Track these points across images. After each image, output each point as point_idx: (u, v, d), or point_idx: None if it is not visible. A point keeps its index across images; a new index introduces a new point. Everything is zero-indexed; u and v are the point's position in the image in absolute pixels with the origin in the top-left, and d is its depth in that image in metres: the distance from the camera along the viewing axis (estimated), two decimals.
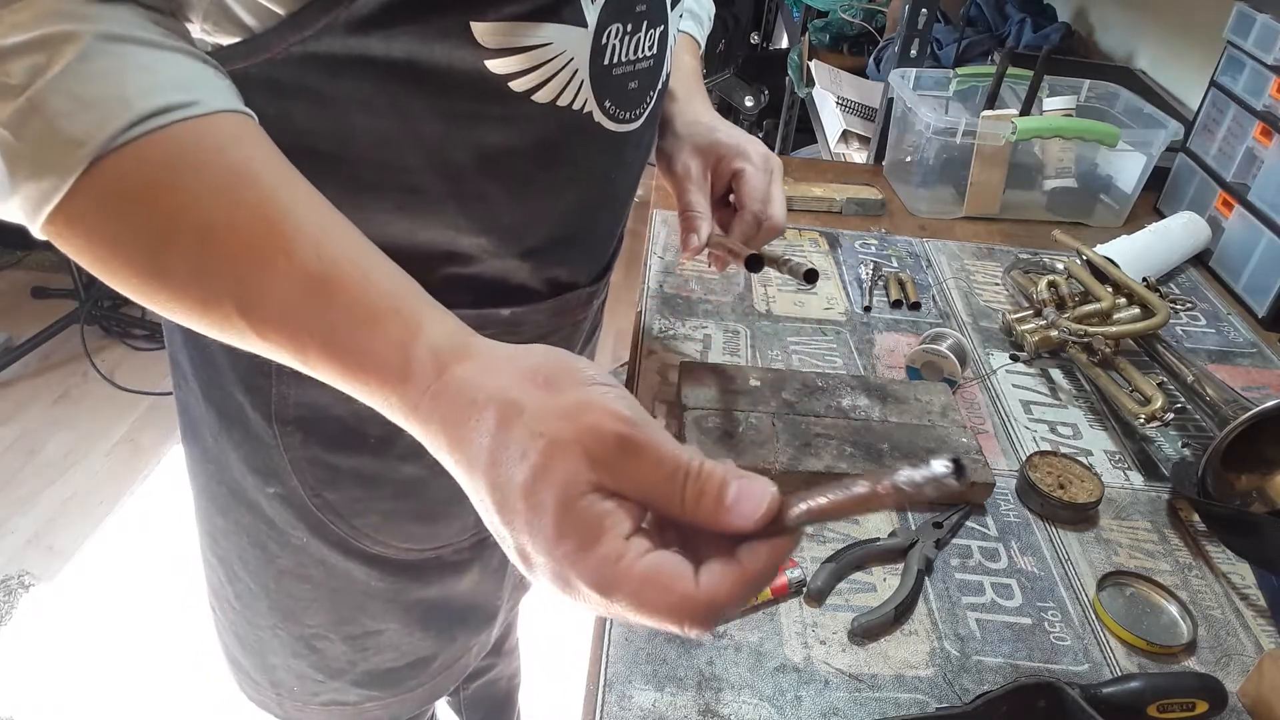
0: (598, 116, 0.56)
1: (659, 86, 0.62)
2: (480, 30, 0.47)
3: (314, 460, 0.65)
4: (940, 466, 0.33)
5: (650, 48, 0.58)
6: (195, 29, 0.48)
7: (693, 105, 0.78)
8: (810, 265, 0.72)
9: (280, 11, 0.46)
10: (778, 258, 0.75)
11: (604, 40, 0.53)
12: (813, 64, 2.01)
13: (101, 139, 0.38)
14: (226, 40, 0.48)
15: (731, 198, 0.76)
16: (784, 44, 3.00)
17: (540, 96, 0.52)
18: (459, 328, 0.40)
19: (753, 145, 0.75)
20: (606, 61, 0.54)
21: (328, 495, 0.66)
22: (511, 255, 0.60)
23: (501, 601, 0.86)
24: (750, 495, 0.34)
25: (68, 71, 0.38)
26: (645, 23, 0.56)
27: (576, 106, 0.54)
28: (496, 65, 0.49)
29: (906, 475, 0.33)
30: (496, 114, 0.52)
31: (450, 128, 0.51)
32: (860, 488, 0.34)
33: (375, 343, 0.39)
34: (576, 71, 0.52)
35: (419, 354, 0.38)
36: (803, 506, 0.35)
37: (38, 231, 0.40)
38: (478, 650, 0.88)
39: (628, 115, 0.59)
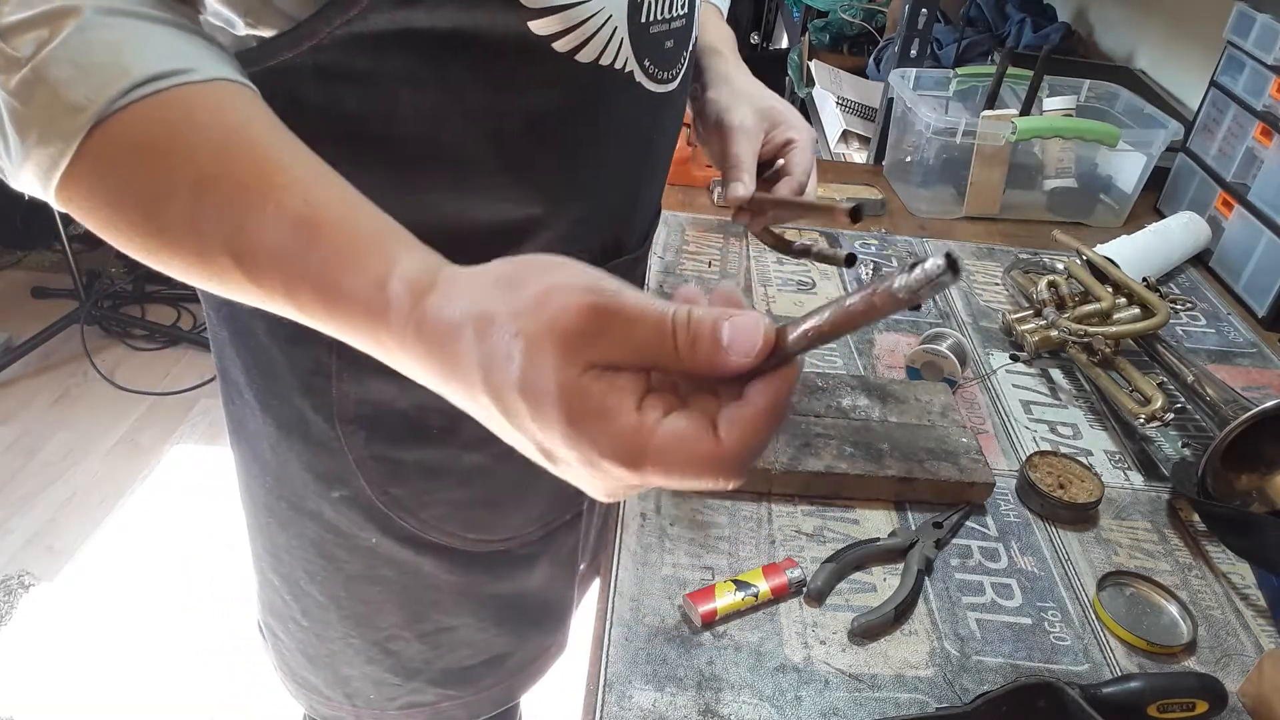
0: (639, 76, 0.57)
1: (690, 48, 0.63)
2: None
3: (378, 457, 0.65)
4: (933, 265, 0.30)
5: (683, 6, 0.59)
6: (239, 25, 0.48)
7: (744, 74, 0.79)
8: (850, 250, 0.70)
9: None
10: (808, 247, 0.73)
11: None
12: (813, 64, 2.01)
13: (101, 103, 0.39)
14: (269, 32, 0.48)
15: (780, 162, 0.75)
16: (784, 44, 3.00)
17: (583, 56, 0.52)
18: (431, 257, 0.40)
19: (801, 120, 0.76)
20: (644, 19, 0.55)
21: (394, 491, 0.66)
22: (562, 224, 0.60)
23: (572, 600, 0.87)
24: (744, 329, 0.33)
25: (68, 42, 0.39)
26: None
27: (618, 66, 0.55)
28: (539, 26, 0.50)
29: (902, 281, 0.31)
30: (541, 76, 0.52)
31: (497, 94, 0.52)
32: (856, 302, 0.32)
33: (358, 281, 0.38)
34: (616, 29, 0.53)
35: (395, 288, 0.37)
36: (802, 328, 0.33)
37: (52, 199, 0.42)
38: (555, 651, 0.87)
39: (665, 75, 0.60)
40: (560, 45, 0.51)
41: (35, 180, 0.41)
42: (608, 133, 0.59)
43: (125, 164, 0.40)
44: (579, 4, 0.50)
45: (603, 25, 0.52)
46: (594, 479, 0.36)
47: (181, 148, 0.40)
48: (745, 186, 0.69)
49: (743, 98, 0.75)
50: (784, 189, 0.72)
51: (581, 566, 0.88)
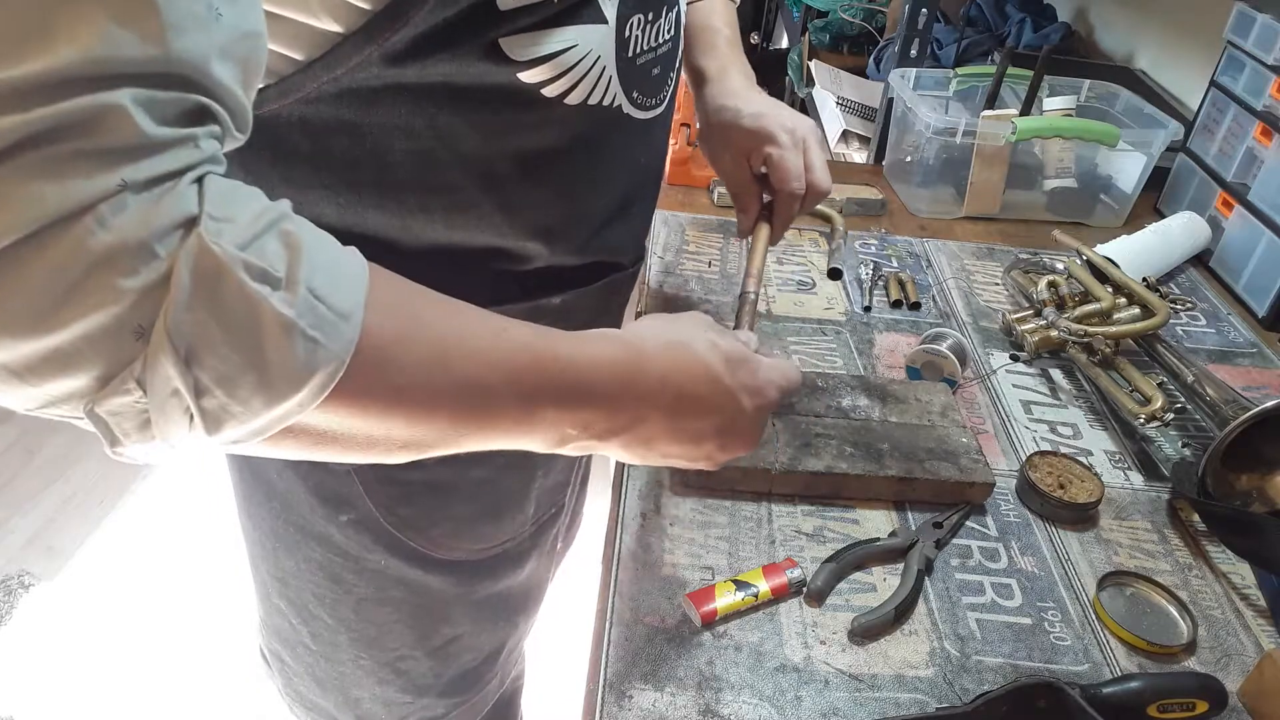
0: (627, 109, 0.58)
1: (676, 68, 0.64)
2: (509, 45, 0.48)
3: (386, 479, 0.65)
4: None
5: (668, 31, 0.59)
6: None
7: (724, 83, 0.79)
8: (835, 265, 0.74)
9: (300, 58, 0.46)
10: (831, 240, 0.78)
11: (627, 33, 0.54)
12: (813, 64, 2.01)
13: (360, 301, 0.37)
14: None
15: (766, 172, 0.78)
16: (784, 44, 3.00)
17: (572, 99, 0.53)
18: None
19: (778, 123, 0.76)
20: (630, 53, 0.56)
21: (402, 512, 0.67)
22: (559, 252, 0.61)
23: (550, 580, 0.89)
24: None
25: (309, 251, 0.35)
26: (664, 7, 0.57)
27: (607, 103, 0.56)
28: (528, 76, 0.50)
29: None
30: (532, 121, 0.53)
31: (488, 140, 0.52)
32: None
33: (606, 343, 0.49)
34: (605, 69, 0.54)
35: (623, 334, 0.51)
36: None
37: (266, 438, 0.37)
38: (531, 630, 0.90)
39: (653, 102, 0.61)
40: (549, 91, 0.51)
41: (292, 411, 0.35)
42: (599, 166, 0.60)
43: (391, 351, 0.38)
44: (567, 50, 0.50)
45: (591, 67, 0.53)
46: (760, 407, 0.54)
47: (422, 316, 0.40)
48: (746, 220, 0.81)
49: (715, 130, 0.79)
50: (778, 207, 0.79)
51: (558, 545, 0.89)
